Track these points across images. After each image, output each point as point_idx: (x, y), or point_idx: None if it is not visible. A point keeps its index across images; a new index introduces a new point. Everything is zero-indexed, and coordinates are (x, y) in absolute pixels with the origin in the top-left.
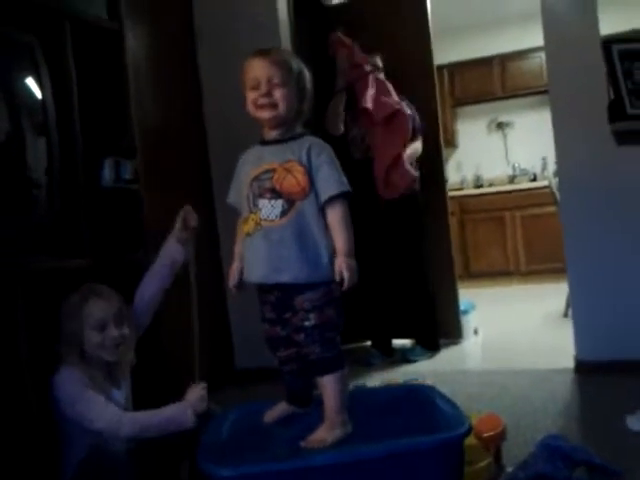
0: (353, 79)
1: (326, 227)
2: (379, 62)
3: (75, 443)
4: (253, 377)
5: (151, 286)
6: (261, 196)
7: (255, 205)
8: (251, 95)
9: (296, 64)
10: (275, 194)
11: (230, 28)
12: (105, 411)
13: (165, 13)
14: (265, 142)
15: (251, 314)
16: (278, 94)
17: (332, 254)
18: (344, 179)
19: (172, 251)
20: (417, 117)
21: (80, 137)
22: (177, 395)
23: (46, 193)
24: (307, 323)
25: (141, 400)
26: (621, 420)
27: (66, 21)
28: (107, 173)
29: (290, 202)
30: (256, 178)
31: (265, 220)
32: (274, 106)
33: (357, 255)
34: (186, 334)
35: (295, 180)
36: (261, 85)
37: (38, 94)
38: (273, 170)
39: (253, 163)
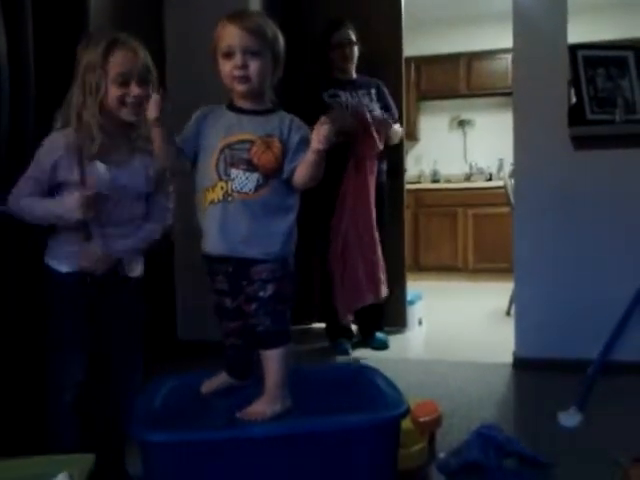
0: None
1: (292, 205)
2: (353, 36)
3: None
4: (196, 350)
5: None
6: (233, 165)
7: (227, 174)
8: (226, 66)
9: (271, 30)
10: (251, 167)
11: None
12: (19, 187)
13: None
14: (238, 109)
15: (197, 286)
16: (253, 67)
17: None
18: None
19: None
20: (394, 109)
21: (33, 90)
22: None
23: None
24: (262, 293)
25: None
26: (554, 415)
27: None
28: None
29: (265, 177)
30: (229, 146)
31: (238, 192)
32: (248, 79)
33: (317, 236)
34: None
35: (274, 156)
36: (235, 55)
37: None
38: (251, 142)
39: (225, 129)
